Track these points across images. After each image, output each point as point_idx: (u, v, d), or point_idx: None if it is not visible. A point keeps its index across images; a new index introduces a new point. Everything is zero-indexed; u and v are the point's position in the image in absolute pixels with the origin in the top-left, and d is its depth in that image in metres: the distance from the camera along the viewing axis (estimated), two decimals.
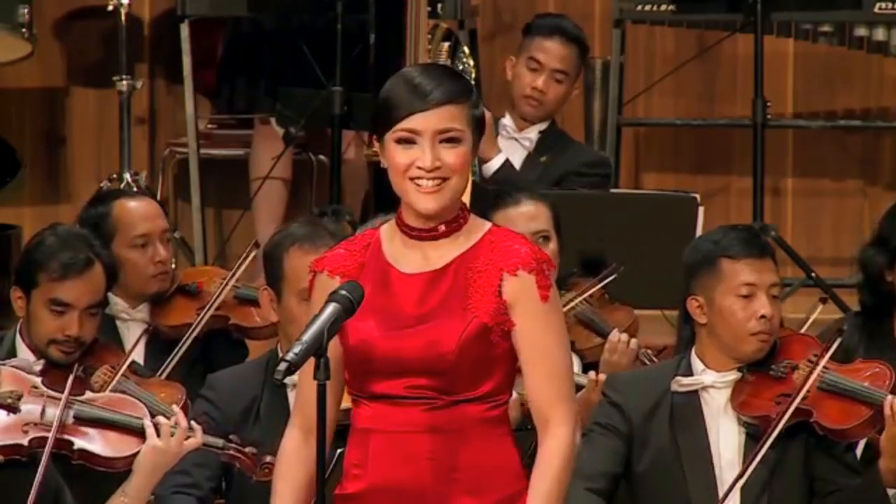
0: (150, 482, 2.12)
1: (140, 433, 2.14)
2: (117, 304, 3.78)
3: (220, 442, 2.30)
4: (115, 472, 2.09)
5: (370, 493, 1.58)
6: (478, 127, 1.62)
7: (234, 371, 2.98)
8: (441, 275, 1.58)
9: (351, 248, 1.66)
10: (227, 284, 3.53)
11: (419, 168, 1.55)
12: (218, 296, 3.44)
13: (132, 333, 3.64)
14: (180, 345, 3.07)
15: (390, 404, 1.57)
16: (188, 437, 2.17)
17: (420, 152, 1.56)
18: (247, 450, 2.28)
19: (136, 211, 3.69)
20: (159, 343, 3.41)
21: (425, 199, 1.56)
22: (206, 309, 3.31)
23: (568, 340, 1.65)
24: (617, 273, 3.89)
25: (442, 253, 1.59)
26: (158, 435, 2.09)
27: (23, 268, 2.61)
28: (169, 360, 3.02)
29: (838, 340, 2.39)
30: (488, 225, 1.65)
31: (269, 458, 2.28)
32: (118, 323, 3.69)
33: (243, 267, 3.70)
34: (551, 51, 5.59)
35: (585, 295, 3.70)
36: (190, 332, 3.18)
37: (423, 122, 1.57)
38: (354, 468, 1.61)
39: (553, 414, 1.57)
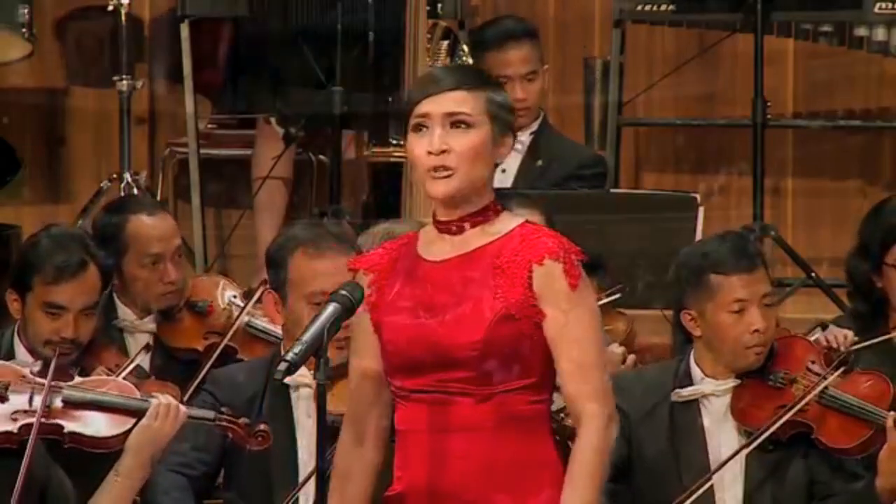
0: (143, 461, 2.13)
1: (129, 412, 2.15)
2: (125, 316, 3.82)
3: (210, 414, 2.31)
4: (108, 453, 2.09)
5: (409, 495, 1.58)
6: (498, 116, 1.61)
7: (236, 368, 2.99)
8: (467, 260, 1.58)
9: (389, 246, 1.68)
10: (235, 323, 3.53)
11: (429, 153, 1.56)
12: (226, 338, 3.45)
13: (139, 344, 3.68)
14: (192, 383, 3.08)
15: (424, 403, 1.56)
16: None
17: (430, 137, 1.57)
18: (239, 420, 2.28)
19: (152, 230, 3.71)
20: (163, 351, 3.44)
21: (436, 183, 1.56)
22: (213, 353, 3.33)
23: (600, 331, 1.64)
24: (620, 294, 3.94)
25: (470, 242, 1.59)
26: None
27: (17, 271, 2.61)
28: (187, 392, 3.02)
29: (842, 369, 2.37)
30: (521, 220, 1.64)
31: (262, 427, 2.28)
32: (125, 334, 3.73)
33: (251, 304, 3.71)
34: (512, 60, 5.49)
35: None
36: (199, 373, 3.19)
37: (432, 105, 1.58)
38: (398, 470, 1.60)
39: (586, 406, 1.55)
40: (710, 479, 2.25)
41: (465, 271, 1.58)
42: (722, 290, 2.46)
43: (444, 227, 1.62)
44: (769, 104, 6.34)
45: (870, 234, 2.92)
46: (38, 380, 2.11)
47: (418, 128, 1.60)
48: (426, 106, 1.58)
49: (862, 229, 3.02)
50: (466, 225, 1.61)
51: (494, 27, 5.97)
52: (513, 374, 1.56)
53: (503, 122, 1.64)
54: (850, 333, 2.61)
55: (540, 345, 1.56)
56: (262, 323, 3.55)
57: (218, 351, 3.35)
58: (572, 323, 1.55)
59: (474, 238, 1.60)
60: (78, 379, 2.23)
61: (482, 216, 1.61)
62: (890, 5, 5.52)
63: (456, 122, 1.57)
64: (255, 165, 6.65)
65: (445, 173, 1.57)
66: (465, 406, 1.56)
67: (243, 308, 3.56)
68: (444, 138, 1.57)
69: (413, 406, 1.59)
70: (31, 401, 2.04)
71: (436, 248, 1.62)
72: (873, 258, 2.81)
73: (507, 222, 1.63)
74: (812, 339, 3.10)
